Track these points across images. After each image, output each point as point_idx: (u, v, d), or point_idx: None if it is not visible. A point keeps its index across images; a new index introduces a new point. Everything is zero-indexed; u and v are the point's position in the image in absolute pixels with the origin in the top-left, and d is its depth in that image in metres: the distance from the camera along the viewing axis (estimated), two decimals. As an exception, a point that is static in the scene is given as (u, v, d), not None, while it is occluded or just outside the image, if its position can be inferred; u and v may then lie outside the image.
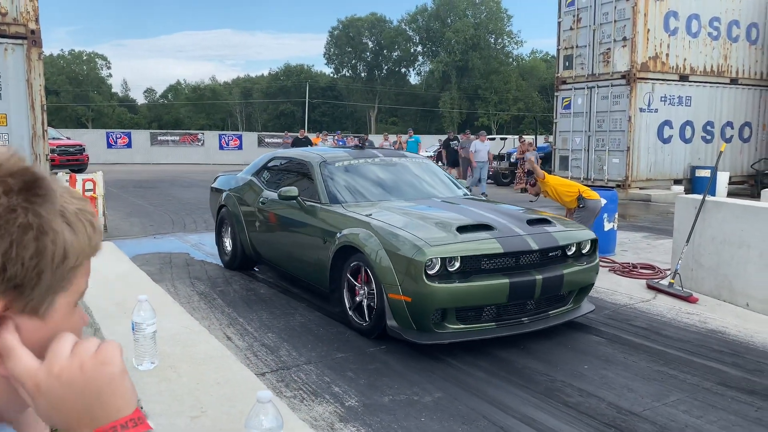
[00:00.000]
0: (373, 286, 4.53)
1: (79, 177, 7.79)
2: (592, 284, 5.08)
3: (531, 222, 4.86)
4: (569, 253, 4.84)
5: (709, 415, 3.49)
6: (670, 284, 6.13)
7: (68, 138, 23.13)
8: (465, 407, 3.55)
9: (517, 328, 4.51)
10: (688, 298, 5.86)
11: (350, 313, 4.85)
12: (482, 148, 16.57)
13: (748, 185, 17.21)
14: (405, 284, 4.23)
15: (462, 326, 4.36)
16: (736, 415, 3.49)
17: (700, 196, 6.23)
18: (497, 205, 5.62)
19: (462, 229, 4.53)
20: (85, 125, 58.18)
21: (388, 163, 6.24)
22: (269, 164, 6.84)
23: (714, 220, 6.01)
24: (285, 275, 6.59)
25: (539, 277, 4.47)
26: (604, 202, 7.32)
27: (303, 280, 5.85)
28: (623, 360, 4.36)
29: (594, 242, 5.05)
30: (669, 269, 6.66)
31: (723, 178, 14.94)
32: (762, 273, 5.47)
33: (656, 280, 6.41)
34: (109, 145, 32.06)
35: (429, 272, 4.18)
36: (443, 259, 4.24)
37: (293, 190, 5.57)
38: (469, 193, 6.37)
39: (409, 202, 5.46)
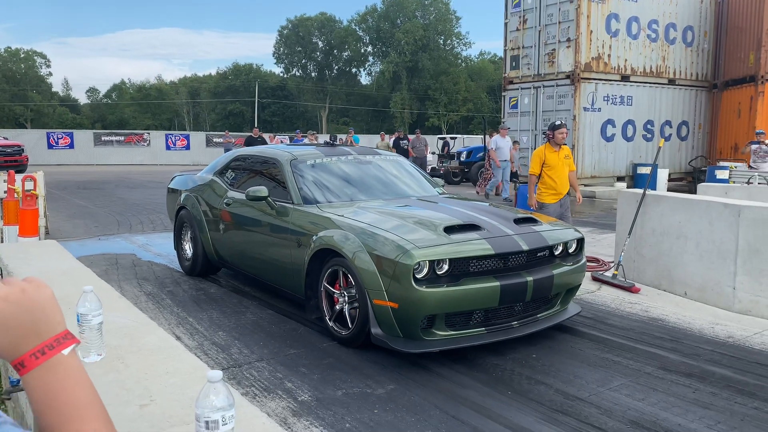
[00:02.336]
0: (354, 291, 4.28)
1: (18, 176, 7.51)
2: (579, 285, 4.97)
3: (518, 221, 4.70)
4: (556, 253, 4.70)
5: (650, 397, 3.64)
6: (614, 276, 6.35)
7: (5, 138, 22.24)
8: (418, 398, 3.59)
9: (508, 332, 4.34)
10: (630, 289, 6.08)
11: (330, 323, 4.55)
12: (504, 144, 14.21)
13: (686, 182, 17.95)
14: (391, 289, 3.98)
15: (451, 332, 4.15)
16: (675, 397, 3.65)
17: (641, 191, 6.47)
18: (479, 204, 5.41)
19: (449, 229, 4.32)
20: (24, 125, 55.98)
21: (361, 160, 5.91)
22: (233, 163, 6.45)
23: (654, 213, 6.25)
24: (236, 275, 6.51)
25: (530, 278, 4.30)
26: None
27: (275, 287, 5.47)
28: (570, 348, 4.49)
29: (580, 242, 4.92)
30: (613, 261, 6.89)
31: (663, 175, 15.54)
32: (698, 263, 5.73)
33: (600, 272, 6.63)
34: (50, 146, 31.03)
35: (417, 276, 3.94)
36: (432, 262, 4.00)
37: (262, 190, 5.20)
38: (444, 191, 6.09)
39: (387, 202, 5.23)
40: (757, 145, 13.32)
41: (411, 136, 20.90)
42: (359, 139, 23.45)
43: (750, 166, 13.35)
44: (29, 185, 7.18)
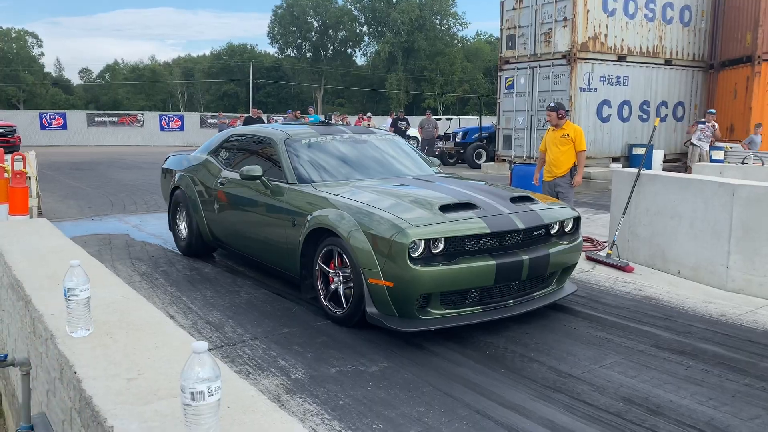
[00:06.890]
0: (350, 271, 4.27)
1: (8, 156, 7.45)
2: (575, 264, 4.94)
3: (514, 200, 4.67)
4: (552, 231, 4.69)
5: (643, 375, 3.65)
6: (608, 255, 6.36)
7: (-3, 119, 22.04)
8: (411, 375, 3.60)
9: (503, 311, 4.32)
10: (624, 268, 6.09)
11: (325, 302, 4.55)
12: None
13: (681, 163, 17.91)
14: (386, 268, 3.97)
15: (447, 311, 4.14)
16: (668, 374, 3.66)
17: (636, 170, 6.45)
18: (476, 183, 5.36)
19: (445, 208, 4.30)
20: (16, 106, 55.50)
21: (356, 139, 5.85)
22: (228, 142, 6.39)
23: (648, 192, 6.24)
24: (231, 255, 6.49)
25: (526, 257, 4.28)
26: None
27: (270, 267, 5.44)
28: (563, 327, 4.50)
29: (576, 220, 4.89)
30: (607, 241, 6.90)
31: (658, 156, 15.50)
32: (692, 242, 5.73)
33: (595, 252, 6.64)
34: (43, 127, 30.83)
35: (412, 255, 3.92)
36: (427, 241, 3.99)
37: (257, 169, 5.17)
38: (440, 170, 6.03)
39: (383, 181, 5.18)
40: (703, 125, 13.73)
41: (421, 118, 20.72)
42: (318, 119, 23.22)
43: (692, 143, 13.88)
44: (18, 164, 7.13)
